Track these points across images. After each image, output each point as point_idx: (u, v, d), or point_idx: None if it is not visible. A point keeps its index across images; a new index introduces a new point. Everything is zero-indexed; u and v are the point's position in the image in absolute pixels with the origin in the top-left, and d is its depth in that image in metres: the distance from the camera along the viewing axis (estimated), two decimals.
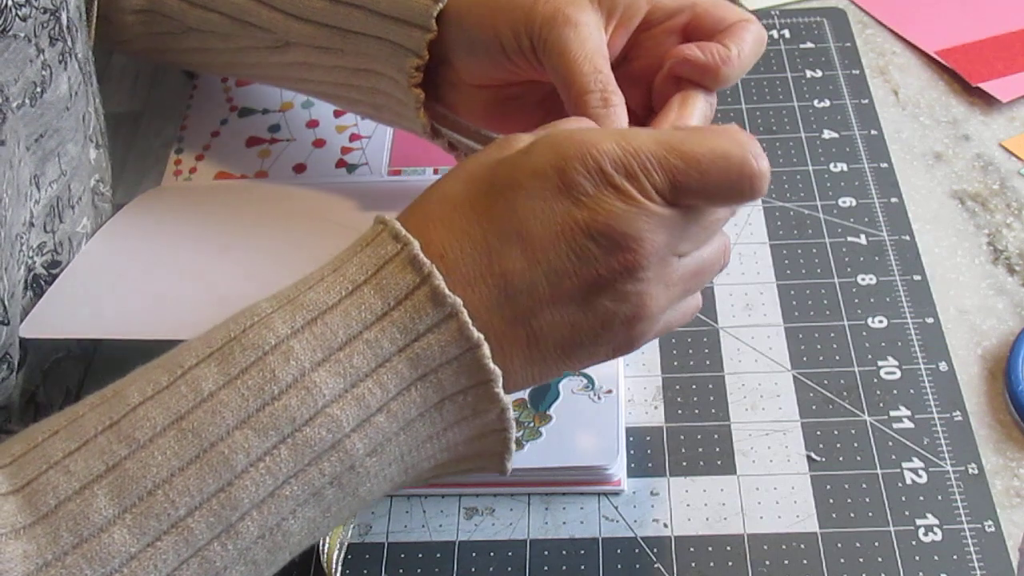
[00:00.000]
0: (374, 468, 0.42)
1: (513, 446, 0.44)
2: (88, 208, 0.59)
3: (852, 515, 0.53)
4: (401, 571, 0.53)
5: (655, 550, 0.53)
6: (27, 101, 0.52)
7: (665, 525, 0.54)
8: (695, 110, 0.51)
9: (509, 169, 0.43)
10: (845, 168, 0.71)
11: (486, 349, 0.42)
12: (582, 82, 0.50)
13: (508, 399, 0.43)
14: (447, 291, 0.41)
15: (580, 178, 0.42)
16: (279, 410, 0.40)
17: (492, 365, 0.42)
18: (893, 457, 0.55)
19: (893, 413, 0.57)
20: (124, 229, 0.64)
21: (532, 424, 0.56)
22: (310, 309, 0.41)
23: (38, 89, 0.53)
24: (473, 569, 0.53)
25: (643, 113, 0.55)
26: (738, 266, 0.65)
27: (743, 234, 0.67)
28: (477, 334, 0.41)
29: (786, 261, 0.65)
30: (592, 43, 0.51)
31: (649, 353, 0.61)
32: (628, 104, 0.55)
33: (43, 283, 0.56)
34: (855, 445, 0.56)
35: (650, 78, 0.55)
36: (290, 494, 0.40)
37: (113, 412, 0.40)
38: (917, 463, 0.55)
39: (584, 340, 0.44)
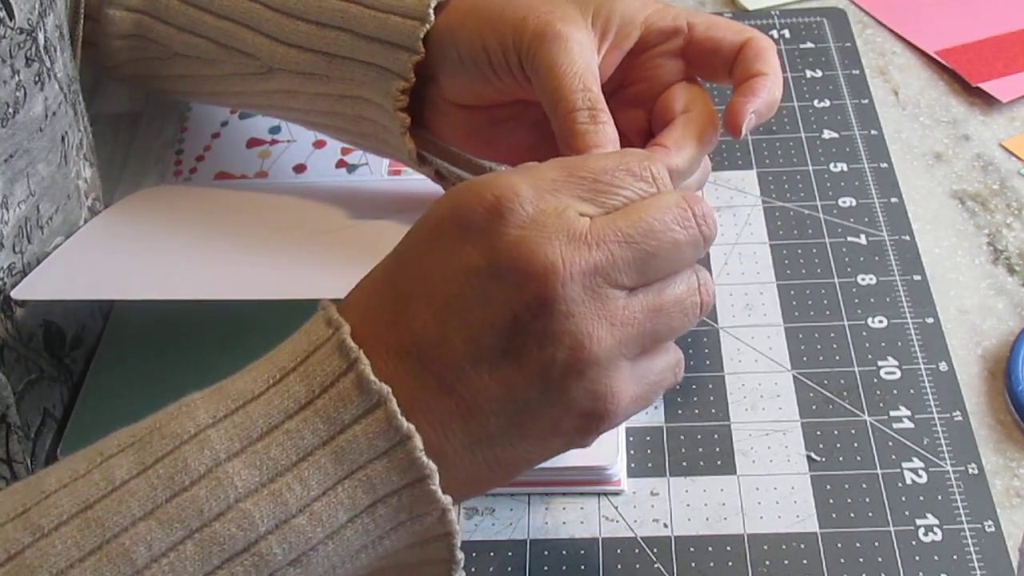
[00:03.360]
0: None
1: (460, 555, 0.41)
2: (61, 227, 0.58)
3: (852, 515, 0.53)
4: None
5: (655, 550, 0.53)
6: None
7: (665, 525, 0.54)
8: (697, 132, 0.51)
9: (411, 232, 0.41)
10: (845, 168, 0.71)
11: (418, 441, 0.38)
12: (570, 100, 0.49)
13: (448, 500, 0.39)
14: (373, 377, 0.38)
15: (473, 215, 0.39)
16: (187, 501, 0.37)
17: (426, 459, 0.38)
18: (893, 457, 0.55)
19: (893, 413, 0.57)
20: (121, 215, 0.64)
21: None
22: (235, 398, 0.39)
23: (10, 110, 0.52)
24: (473, 569, 0.53)
25: (640, 137, 0.55)
26: (738, 266, 0.65)
27: (743, 234, 0.67)
28: (407, 425, 0.38)
29: (786, 261, 0.65)
30: (582, 61, 0.50)
31: None
32: (625, 128, 0.55)
33: (14, 305, 0.55)
34: (855, 445, 0.56)
35: (648, 101, 0.54)
36: None
37: (27, 499, 0.38)
38: (917, 463, 0.55)
39: (530, 404, 0.39)
